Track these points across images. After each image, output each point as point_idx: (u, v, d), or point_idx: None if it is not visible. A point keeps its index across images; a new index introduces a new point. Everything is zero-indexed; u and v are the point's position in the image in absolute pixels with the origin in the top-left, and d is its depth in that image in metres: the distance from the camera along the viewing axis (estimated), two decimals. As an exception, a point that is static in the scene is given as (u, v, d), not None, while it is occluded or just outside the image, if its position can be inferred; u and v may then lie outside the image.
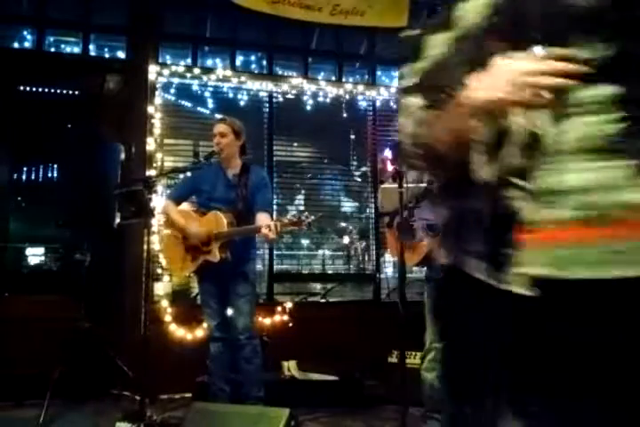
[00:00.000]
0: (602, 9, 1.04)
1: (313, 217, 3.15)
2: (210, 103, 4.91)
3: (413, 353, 3.60)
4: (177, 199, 3.63)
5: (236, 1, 4.65)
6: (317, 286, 5.20)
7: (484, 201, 1.24)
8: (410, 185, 2.61)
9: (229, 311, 3.44)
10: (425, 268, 3.11)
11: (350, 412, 3.70)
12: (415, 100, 1.26)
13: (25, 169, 4.59)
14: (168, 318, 4.33)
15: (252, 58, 5.18)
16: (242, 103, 4.96)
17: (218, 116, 4.20)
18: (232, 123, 3.51)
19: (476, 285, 1.20)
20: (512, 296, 1.17)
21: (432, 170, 1.28)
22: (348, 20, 4.94)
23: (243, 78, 4.87)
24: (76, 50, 4.73)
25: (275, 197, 4.67)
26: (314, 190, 5.28)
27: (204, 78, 4.80)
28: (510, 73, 1.04)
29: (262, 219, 3.31)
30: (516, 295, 1.15)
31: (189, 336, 4.28)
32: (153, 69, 4.62)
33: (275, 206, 4.50)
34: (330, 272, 5.27)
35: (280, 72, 5.17)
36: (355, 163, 5.41)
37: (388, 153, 4.95)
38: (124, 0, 4.75)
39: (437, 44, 1.19)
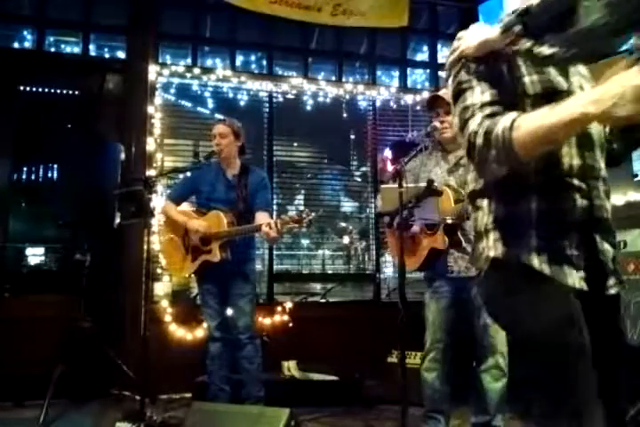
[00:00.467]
0: None
1: (313, 214, 3.15)
2: (210, 103, 4.91)
3: (413, 353, 3.60)
4: (176, 200, 3.63)
5: (234, 2, 4.65)
6: (317, 286, 5.19)
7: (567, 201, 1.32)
8: (410, 185, 2.60)
9: (230, 311, 3.44)
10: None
11: (350, 412, 3.70)
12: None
13: (25, 169, 4.59)
14: (168, 318, 4.33)
15: (252, 58, 5.18)
16: (242, 103, 4.96)
17: (218, 116, 4.21)
18: (231, 123, 3.52)
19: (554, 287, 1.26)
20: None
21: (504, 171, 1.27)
22: (350, 20, 4.94)
23: (242, 78, 4.87)
24: (76, 50, 4.73)
25: (275, 197, 4.68)
26: (314, 190, 5.28)
27: (204, 78, 4.80)
28: (632, 86, 1.05)
29: (262, 218, 3.31)
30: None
31: (189, 336, 4.28)
32: (153, 69, 4.62)
33: (275, 206, 4.50)
34: (330, 272, 5.27)
35: (280, 72, 5.17)
36: (355, 163, 5.41)
37: (387, 153, 4.96)
38: (124, 0, 4.75)
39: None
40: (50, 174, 4.68)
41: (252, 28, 5.02)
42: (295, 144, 5.30)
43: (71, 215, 3.83)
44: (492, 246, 1.35)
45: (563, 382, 1.23)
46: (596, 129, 1.38)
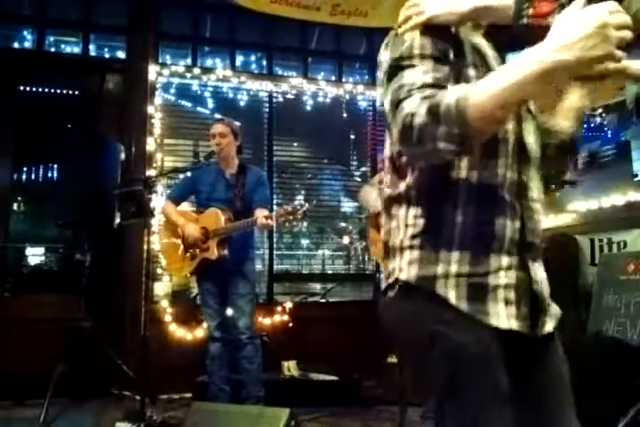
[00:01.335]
0: None
1: (307, 205, 3.20)
2: (210, 103, 4.91)
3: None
4: (176, 199, 3.65)
5: (235, 0, 4.65)
6: (317, 286, 5.20)
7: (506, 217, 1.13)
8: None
9: (230, 311, 3.44)
10: None
11: (349, 412, 3.70)
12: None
13: (25, 169, 4.60)
14: (168, 318, 4.33)
15: (252, 58, 5.18)
16: (242, 103, 4.97)
17: (218, 116, 4.21)
18: (230, 123, 3.54)
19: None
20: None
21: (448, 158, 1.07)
22: (349, 20, 4.93)
23: (242, 78, 4.87)
24: (76, 50, 4.73)
25: (274, 197, 4.68)
26: (314, 190, 5.28)
27: (204, 78, 4.80)
28: (598, 25, 0.91)
29: (259, 213, 3.34)
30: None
31: (189, 336, 4.28)
32: (153, 69, 4.62)
33: (274, 206, 4.50)
34: (330, 272, 5.27)
35: (280, 72, 5.17)
36: (355, 163, 5.41)
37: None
38: (124, 0, 4.75)
39: None
40: (50, 174, 4.68)
41: (251, 28, 5.02)
42: (295, 144, 5.30)
43: (71, 215, 3.82)
44: (404, 268, 1.14)
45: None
46: (534, 146, 1.22)
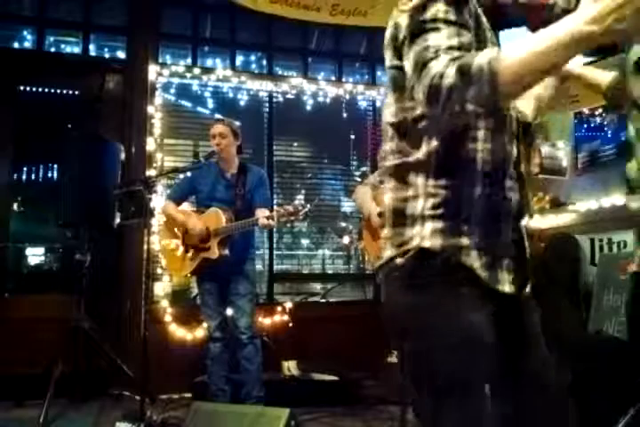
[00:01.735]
0: None
1: (308, 206, 3.21)
2: (210, 103, 4.91)
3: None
4: (176, 200, 3.65)
5: (235, 0, 4.65)
6: (317, 286, 5.20)
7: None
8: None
9: (230, 311, 3.44)
10: None
11: (350, 412, 3.69)
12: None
13: (25, 169, 4.59)
14: (168, 318, 4.33)
15: (252, 58, 5.18)
16: (242, 103, 4.97)
17: (218, 116, 4.21)
18: (230, 123, 3.55)
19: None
20: None
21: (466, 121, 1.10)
22: (349, 20, 4.94)
23: (243, 78, 4.87)
24: (76, 50, 4.73)
25: (275, 197, 4.68)
26: (314, 190, 5.28)
27: (204, 78, 4.80)
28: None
29: (260, 213, 3.34)
30: None
31: (189, 336, 4.28)
32: (153, 69, 4.62)
33: (274, 206, 4.49)
34: (330, 272, 5.27)
35: (280, 72, 5.17)
36: (355, 163, 5.41)
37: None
38: (124, 0, 4.75)
39: None
40: (50, 174, 4.68)
41: (251, 28, 5.02)
42: (295, 144, 5.30)
43: (71, 215, 3.82)
44: (427, 236, 1.14)
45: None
46: (517, 124, 1.28)
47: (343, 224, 5.32)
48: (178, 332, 4.29)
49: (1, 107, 4.36)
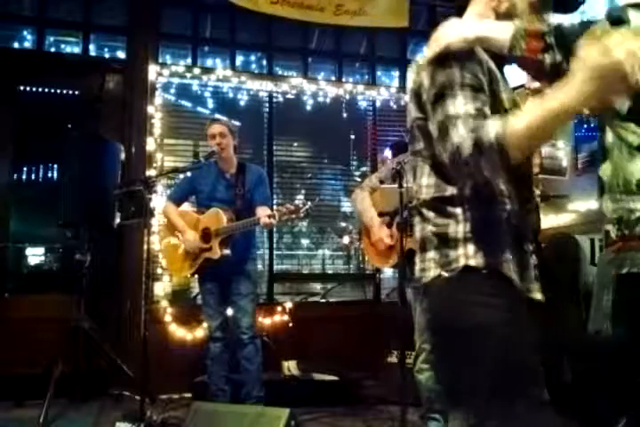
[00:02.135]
0: None
1: (309, 204, 3.21)
2: (210, 103, 4.91)
3: (413, 353, 3.60)
4: (176, 201, 3.66)
5: (235, 2, 4.65)
6: (317, 286, 5.20)
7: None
8: (410, 185, 2.60)
9: (232, 311, 3.44)
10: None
11: (350, 412, 3.70)
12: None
13: (25, 169, 4.59)
14: (168, 318, 4.33)
15: (252, 58, 5.18)
16: (242, 103, 4.97)
17: (217, 116, 4.21)
18: (227, 123, 3.60)
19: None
20: None
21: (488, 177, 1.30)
22: (353, 20, 4.94)
23: (243, 78, 4.87)
24: (76, 50, 4.73)
25: (274, 197, 4.68)
26: (314, 190, 5.28)
27: (204, 78, 4.80)
28: (593, 70, 1.09)
29: (261, 211, 3.34)
30: None
31: (189, 336, 4.28)
32: (153, 69, 4.62)
33: (274, 206, 4.49)
34: (330, 272, 5.27)
35: (280, 72, 5.17)
36: (355, 163, 5.41)
37: (387, 153, 4.95)
38: (124, 0, 4.75)
39: None
40: (50, 174, 4.67)
41: (251, 28, 5.02)
42: (295, 144, 5.30)
43: (71, 215, 3.82)
44: (471, 255, 1.35)
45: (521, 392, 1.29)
46: None
47: (343, 224, 5.31)
48: (178, 332, 4.29)
49: (1, 107, 4.36)
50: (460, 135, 1.24)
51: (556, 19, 1.31)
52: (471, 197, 1.38)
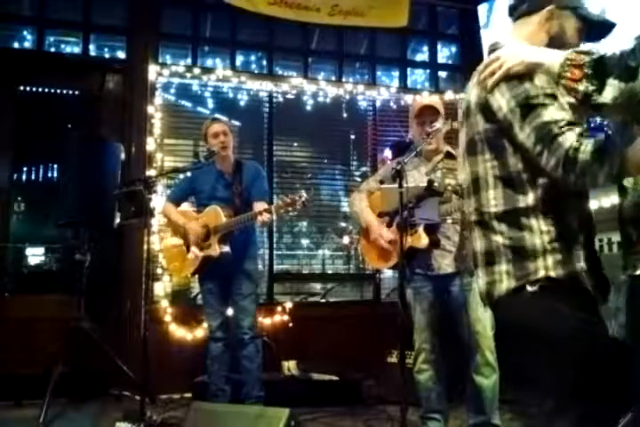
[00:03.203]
0: None
1: (305, 195, 3.18)
2: (210, 103, 4.90)
3: (413, 353, 3.59)
4: (175, 201, 3.67)
5: (232, 2, 4.66)
6: (317, 286, 5.19)
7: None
8: (410, 185, 2.60)
9: (233, 311, 3.44)
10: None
11: (350, 412, 3.70)
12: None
13: (25, 169, 4.59)
14: (168, 318, 4.33)
15: (252, 58, 5.17)
16: (242, 103, 4.96)
17: (217, 116, 4.21)
18: (226, 122, 3.64)
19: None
20: None
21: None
22: (347, 20, 4.94)
23: (243, 78, 4.87)
24: (76, 50, 4.73)
25: (274, 196, 4.67)
26: (314, 190, 5.27)
27: (204, 78, 4.80)
28: None
29: (258, 207, 3.34)
30: None
31: (189, 336, 4.27)
32: (153, 69, 4.62)
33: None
34: (330, 272, 5.27)
35: (280, 72, 5.17)
36: (355, 163, 5.40)
37: (387, 153, 4.96)
38: (124, 0, 4.75)
39: None
40: (50, 174, 4.68)
41: (251, 28, 5.02)
42: (295, 144, 5.29)
43: (71, 215, 3.82)
44: (551, 267, 1.40)
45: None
46: None
47: (343, 224, 5.31)
48: (178, 332, 4.29)
49: (1, 107, 4.36)
50: (572, 139, 1.30)
51: (606, 47, 1.38)
52: (545, 208, 1.42)
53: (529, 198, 1.42)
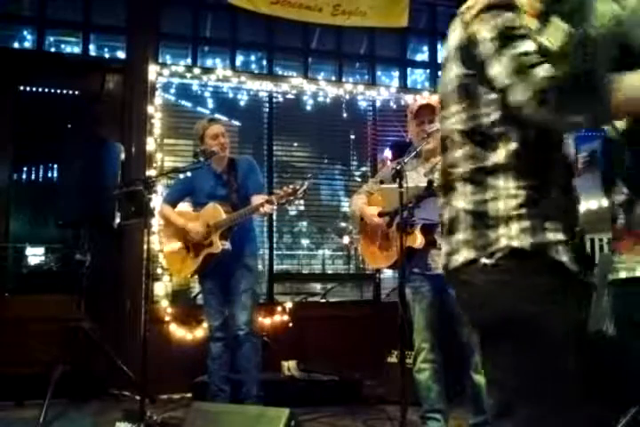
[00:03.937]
0: None
1: (306, 184, 3.21)
2: (210, 103, 4.91)
3: (413, 353, 3.60)
4: (171, 202, 3.68)
5: (234, 2, 4.66)
6: (317, 286, 5.19)
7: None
8: (410, 185, 2.60)
9: (231, 306, 3.43)
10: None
11: (350, 412, 3.69)
12: None
13: (25, 169, 4.59)
14: (168, 318, 4.33)
15: (252, 58, 5.17)
16: (242, 103, 4.96)
17: (217, 116, 4.21)
18: (223, 122, 3.73)
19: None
20: None
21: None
22: (350, 20, 4.95)
23: (243, 78, 4.87)
24: (76, 50, 4.73)
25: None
26: (314, 190, 5.27)
27: (204, 78, 4.80)
28: None
29: (257, 199, 3.35)
30: None
31: (189, 336, 4.28)
32: (153, 69, 4.62)
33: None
34: (330, 272, 5.27)
35: (280, 72, 5.17)
36: (355, 163, 5.41)
37: (387, 153, 4.95)
38: (124, 0, 4.75)
39: None
40: (50, 174, 4.68)
41: (251, 28, 5.02)
42: (295, 144, 5.30)
43: (71, 215, 3.82)
44: (514, 236, 1.19)
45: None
46: None
47: (343, 224, 5.31)
48: (178, 332, 4.29)
49: (1, 107, 4.36)
50: (549, 69, 1.13)
51: None
52: (517, 166, 1.22)
53: (500, 155, 1.22)
